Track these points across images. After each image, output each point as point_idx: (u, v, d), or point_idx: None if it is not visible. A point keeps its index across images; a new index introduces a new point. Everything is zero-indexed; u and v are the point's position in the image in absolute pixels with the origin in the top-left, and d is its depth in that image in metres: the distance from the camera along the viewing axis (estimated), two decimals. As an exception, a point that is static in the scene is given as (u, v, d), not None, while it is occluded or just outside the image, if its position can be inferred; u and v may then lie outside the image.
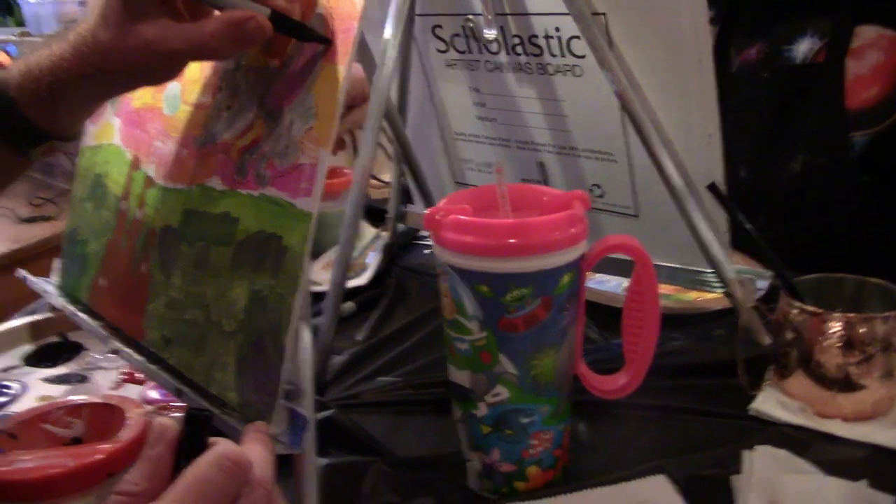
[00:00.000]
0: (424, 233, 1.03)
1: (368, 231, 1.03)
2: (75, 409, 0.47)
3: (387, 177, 1.03)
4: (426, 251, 1.00)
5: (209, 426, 0.38)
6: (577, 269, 0.49)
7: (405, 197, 0.92)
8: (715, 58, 0.60)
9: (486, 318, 0.48)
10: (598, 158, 0.71)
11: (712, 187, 0.63)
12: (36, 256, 2.42)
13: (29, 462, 0.42)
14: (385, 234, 0.98)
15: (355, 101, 0.80)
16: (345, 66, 0.48)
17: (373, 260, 0.95)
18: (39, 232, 2.44)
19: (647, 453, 0.56)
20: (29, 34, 2.99)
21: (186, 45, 0.48)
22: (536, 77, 0.70)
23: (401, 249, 0.99)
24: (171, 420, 0.37)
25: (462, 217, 0.48)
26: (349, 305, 0.83)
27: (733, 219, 0.64)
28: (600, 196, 0.73)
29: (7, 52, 0.58)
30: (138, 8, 0.48)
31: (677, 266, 0.71)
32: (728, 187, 0.64)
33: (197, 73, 0.59)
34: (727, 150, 0.64)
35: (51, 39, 0.52)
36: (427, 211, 0.49)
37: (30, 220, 2.47)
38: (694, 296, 0.77)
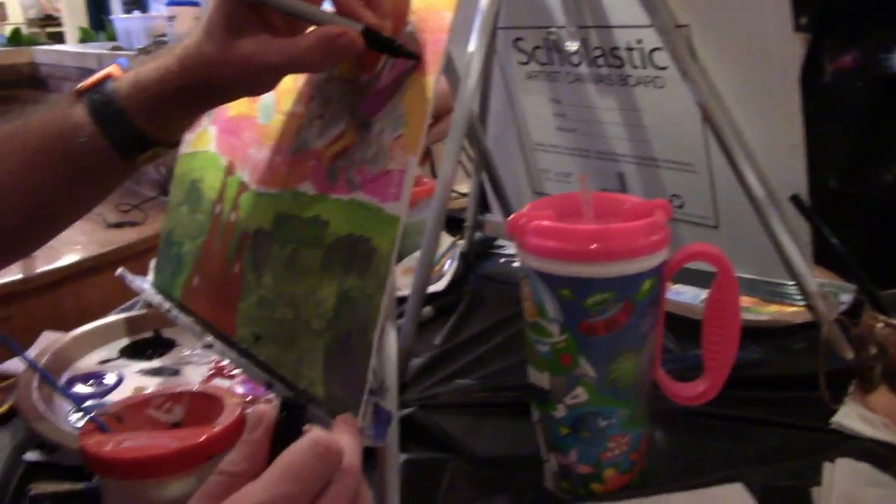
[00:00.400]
0: (501, 242, 1.05)
1: (445, 239, 1.05)
2: (176, 396, 0.50)
3: (463, 188, 1.05)
4: (502, 260, 1.01)
5: (304, 415, 0.40)
6: (659, 275, 0.50)
7: (482, 206, 0.94)
8: (807, 65, 0.60)
9: (567, 321, 0.49)
10: (678, 169, 0.72)
11: (795, 199, 0.63)
12: (123, 259, 2.53)
13: (135, 442, 0.45)
14: (461, 242, 1.00)
15: (440, 114, 0.82)
16: (433, 76, 0.50)
17: (449, 267, 0.97)
18: (126, 236, 2.55)
19: (724, 462, 0.56)
20: (120, 48, 3.14)
21: (283, 59, 0.51)
22: (617, 88, 0.71)
23: (477, 258, 1.01)
24: (269, 407, 0.40)
25: (545, 222, 0.50)
26: (427, 310, 0.85)
27: (817, 231, 0.63)
28: (679, 206, 0.74)
29: (119, 65, 0.63)
30: (239, 24, 0.51)
31: (757, 278, 0.70)
32: (815, 198, 0.64)
33: (290, 83, 0.62)
34: (817, 160, 0.63)
35: (159, 52, 0.55)
36: (511, 216, 0.51)
37: (117, 226, 2.58)
38: (774, 308, 0.76)
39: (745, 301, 0.76)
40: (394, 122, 0.52)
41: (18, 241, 0.63)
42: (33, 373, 0.66)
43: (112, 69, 0.57)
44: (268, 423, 0.39)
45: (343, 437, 0.41)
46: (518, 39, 0.77)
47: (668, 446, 0.59)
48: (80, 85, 0.56)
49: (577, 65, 0.73)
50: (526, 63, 0.78)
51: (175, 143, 0.60)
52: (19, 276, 2.30)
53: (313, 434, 0.38)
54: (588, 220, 0.53)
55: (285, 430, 0.39)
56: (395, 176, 0.51)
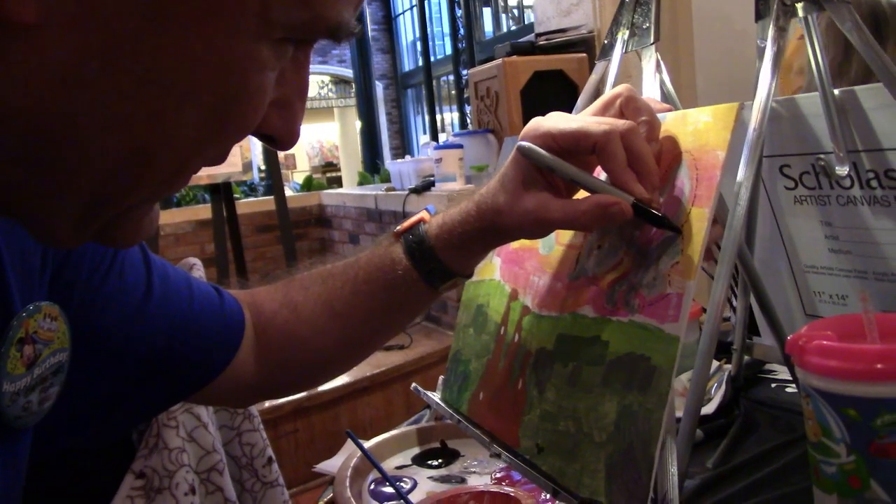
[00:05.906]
0: (771, 366, 1.02)
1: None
2: (478, 495, 0.56)
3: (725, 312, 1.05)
4: (773, 384, 0.99)
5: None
6: (954, 397, 0.49)
7: (750, 329, 0.94)
8: None
9: (854, 441, 0.50)
10: (971, 289, 0.68)
11: None
12: (391, 380, 2.75)
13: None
14: (727, 366, 0.99)
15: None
16: (708, 209, 0.55)
17: (716, 391, 0.97)
18: (394, 359, 2.78)
19: None
20: (393, 188, 3.52)
21: (561, 217, 0.59)
22: (894, 209, 0.71)
23: (746, 382, 0.99)
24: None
25: (827, 342, 0.51)
26: (697, 434, 0.85)
27: None
28: (975, 329, 0.70)
29: (428, 211, 0.77)
30: (529, 181, 0.60)
31: None
32: None
33: (570, 218, 0.69)
34: None
35: (461, 198, 0.66)
36: (790, 337, 0.53)
37: (386, 349, 2.82)
38: None
39: None
40: (671, 251, 0.57)
41: (337, 363, 0.75)
42: (346, 473, 0.76)
43: (423, 214, 0.68)
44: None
45: None
46: (784, 166, 0.79)
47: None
48: (398, 228, 0.68)
49: (848, 187, 0.73)
50: (793, 188, 0.79)
51: (470, 274, 0.69)
52: (304, 395, 2.58)
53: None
54: (872, 340, 0.53)
55: None
56: (673, 299, 0.55)
